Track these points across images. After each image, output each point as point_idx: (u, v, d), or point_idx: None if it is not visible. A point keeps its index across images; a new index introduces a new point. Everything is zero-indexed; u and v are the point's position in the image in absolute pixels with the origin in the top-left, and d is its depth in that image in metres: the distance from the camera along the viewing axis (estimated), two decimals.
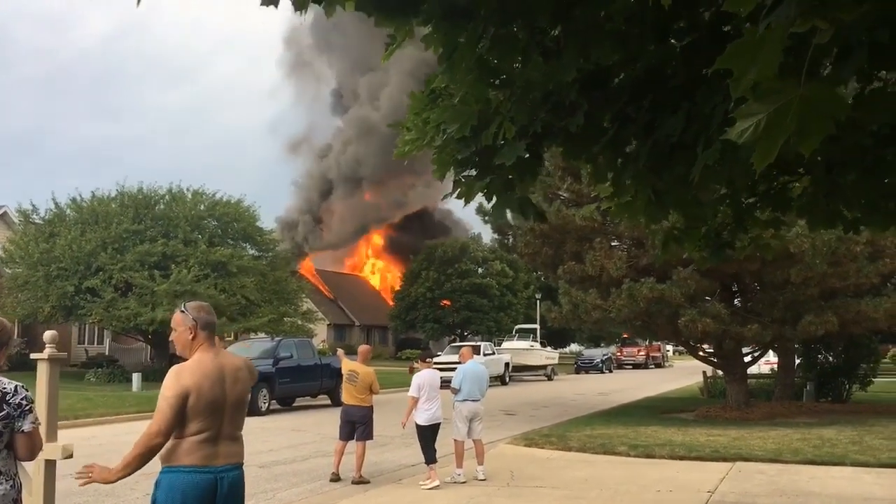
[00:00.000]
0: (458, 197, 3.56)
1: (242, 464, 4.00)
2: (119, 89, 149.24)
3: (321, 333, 56.78)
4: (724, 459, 12.24)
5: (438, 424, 10.75)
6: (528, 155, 3.27)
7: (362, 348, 11.76)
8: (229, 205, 32.37)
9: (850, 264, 15.80)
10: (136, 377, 26.46)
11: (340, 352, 12.81)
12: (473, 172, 3.57)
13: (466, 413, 11.04)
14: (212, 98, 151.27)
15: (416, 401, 10.75)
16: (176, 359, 4.09)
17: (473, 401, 11.12)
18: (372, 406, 11.17)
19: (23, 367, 33.55)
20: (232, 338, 32.43)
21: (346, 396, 11.16)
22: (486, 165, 3.48)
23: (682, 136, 2.91)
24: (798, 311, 16.62)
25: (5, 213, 35.06)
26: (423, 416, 10.69)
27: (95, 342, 40.29)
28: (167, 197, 31.84)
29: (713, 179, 3.01)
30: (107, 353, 37.83)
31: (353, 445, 10.98)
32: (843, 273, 15.91)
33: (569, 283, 17.79)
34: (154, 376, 27.64)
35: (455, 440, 11.10)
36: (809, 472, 11.22)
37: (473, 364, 11.56)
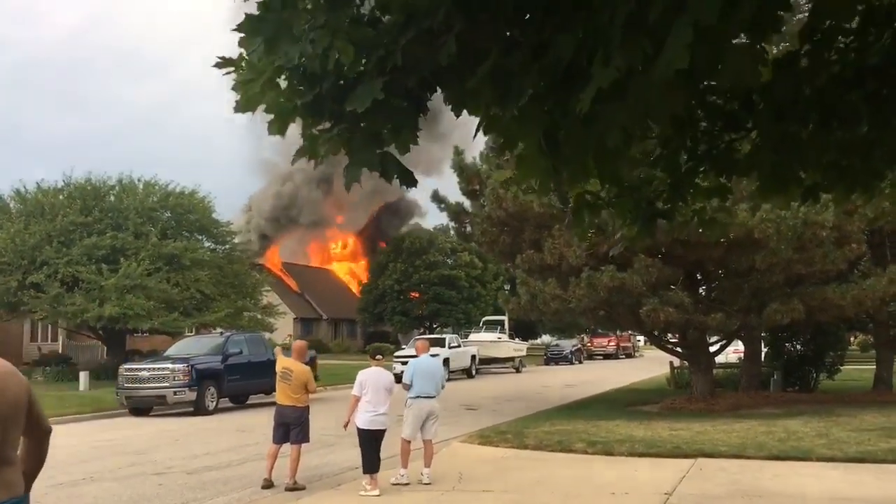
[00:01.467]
0: (305, 155, 2.77)
1: (22, 497, 3.04)
2: (88, 83, 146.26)
3: (287, 328, 55.72)
4: (686, 456, 11.58)
5: (382, 431, 9.84)
6: (384, 96, 2.48)
7: (297, 344, 10.94)
8: (182, 196, 31.24)
9: (816, 250, 15.23)
10: (83, 376, 25.38)
11: (278, 348, 11.96)
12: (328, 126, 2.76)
13: (417, 412, 10.24)
14: (184, 91, 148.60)
15: (357, 400, 9.92)
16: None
17: (427, 397, 10.30)
18: (307, 406, 10.34)
19: None
20: (193, 332, 31.44)
21: (280, 396, 10.33)
22: (340, 115, 2.67)
23: (577, 57, 2.16)
24: (763, 298, 16.05)
25: None
26: (362, 418, 9.84)
27: (49, 340, 38.95)
28: (117, 188, 30.64)
29: (619, 116, 2.25)
30: (60, 352, 36.53)
31: (288, 449, 10.16)
32: (809, 259, 15.34)
33: (527, 273, 17.07)
34: (106, 375, 26.61)
35: (402, 438, 10.30)
36: (773, 468, 10.59)
37: (426, 358, 10.77)
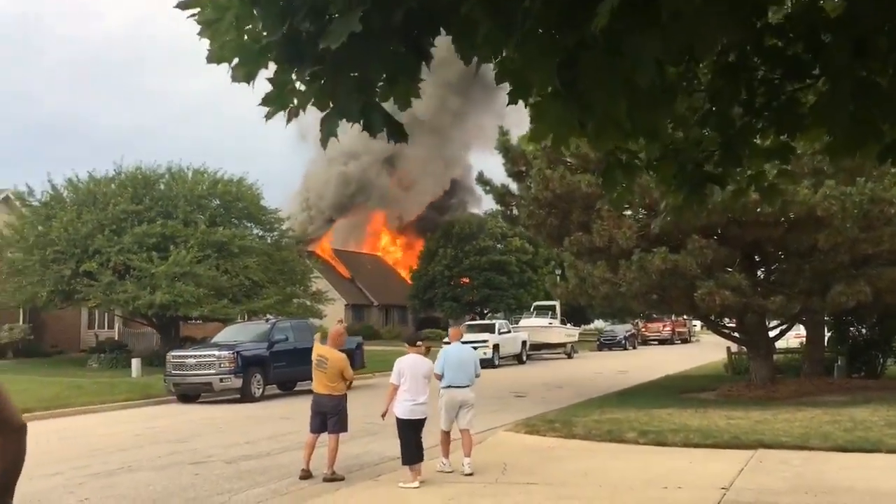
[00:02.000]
0: (274, 105, 2.34)
1: None
2: (144, 77, 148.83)
3: (338, 314, 55.84)
4: (744, 447, 10.94)
5: (421, 421, 9.45)
6: (363, 30, 2.02)
7: (333, 330, 10.58)
8: (231, 183, 31.27)
9: (884, 228, 14.32)
10: (135, 363, 25.61)
11: (317, 335, 11.63)
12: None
13: (449, 402, 9.84)
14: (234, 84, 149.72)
15: (395, 388, 9.55)
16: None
17: (458, 387, 9.89)
18: (345, 395, 10.00)
19: (31, 353, 33.27)
20: (245, 319, 31.50)
21: (316, 384, 10.00)
22: (319, 58, 2.23)
23: None
24: (827, 280, 15.20)
25: (7, 197, 34.25)
26: (400, 408, 9.46)
27: (106, 327, 39.58)
28: (166, 176, 30.82)
29: (650, 45, 1.77)
30: (116, 339, 37.08)
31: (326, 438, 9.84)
32: (877, 238, 14.43)
33: (575, 256, 16.48)
34: (159, 362, 26.80)
35: (441, 430, 9.93)
36: (840, 460, 9.91)
37: (457, 347, 10.32)
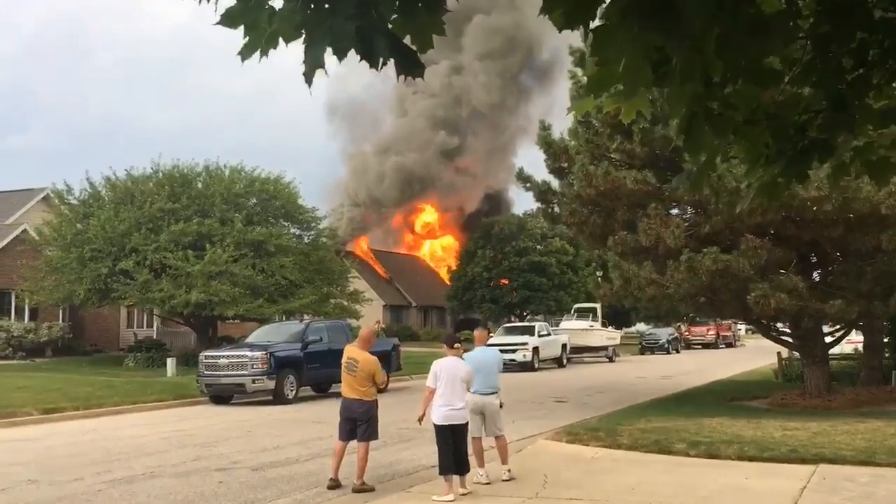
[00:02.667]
0: (230, 22, 1.76)
1: None
2: (188, 76, 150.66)
3: (376, 314, 55.51)
4: (804, 461, 10.14)
5: (461, 426, 8.89)
6: None
7: (363, 331, 10.02)
8: (268, 181, 31.01)
9: None
10: (170, 362, 25.43)
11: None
12: None
13: (472, 409, 9.30)
14: (279, 81, 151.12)
15: (432, 392, 8.98)
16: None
17: (481, 394, 9.33)
18: (375, 400, 9.43)
19: (70, 352, 33.39)
20: (284, 319, 31.21)
21: (346, 389, 9.46)
22: None
23: None
24: (890, 283, 14.26)
25: (47, 195, 34.45)
26: (436, 413, 8.91)
27: (145, 326, 39.69)
28: (203, 174, 30.64)
29: None
30: (154, 337, 37.13)
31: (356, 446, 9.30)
32: None
33: (620, 256, 15.71)
34: (195, 361, 26.56)
35: (471, 437, 9.37)
36: None
37: (481, 351, 9.75)
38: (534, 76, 67.64)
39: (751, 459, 10.40)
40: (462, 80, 64.49)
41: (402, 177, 63.62)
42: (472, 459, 9.32)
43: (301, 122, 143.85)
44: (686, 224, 15.15)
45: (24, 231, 32.82)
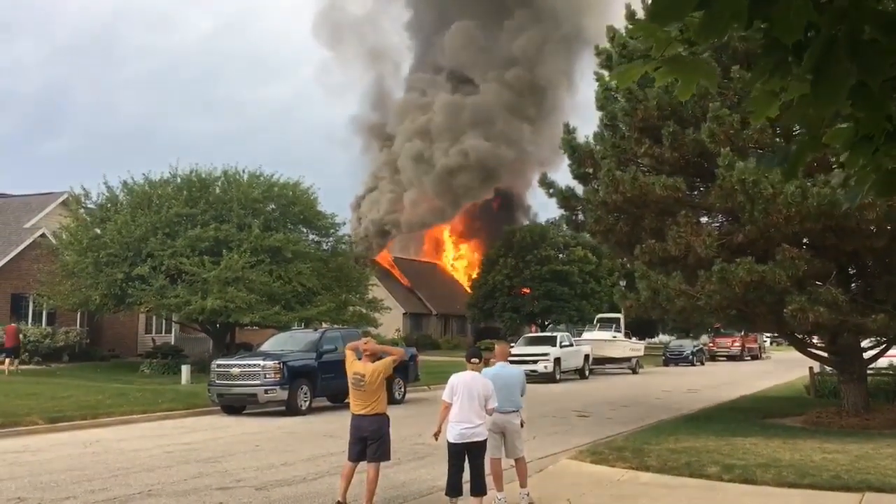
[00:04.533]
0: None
1: None
2: (218, 87, 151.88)
3: (396, 322, 54.94)
4: (849, 489, 9.38)
5: (476, 444, 8.28)
6: None
7: (364, 345, 9.29)
8: (286, 186, 30.56)
9: None
10: (184, 369, 24.97)
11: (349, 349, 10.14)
12: None
13: (491, 427, 8.66)
14: (306, 93, 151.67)
15: (447, 407, 8.37)
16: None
17: (501, 412, 8.69)
18: (387, 416, 8.77)
19: (87, 357, 33.07)
20: (302, 326, 30.69)
21: (354, 405, 8.80)
22: None
23: None
24: None
25: (66, 199, 34.22)
26: (451, 431, 8.30)
27: (163, 332, 39.38)
28: (222, 179, 30.23)
29: None
30: (173, 343, 36.78)
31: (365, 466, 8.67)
32: None
33: (648, 266, 14.98)
34: (209, 369, 26.06)
35: (490, 458, 8.73)
36: None
37: (503, 367, 9.12)
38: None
39: (791, 486, 9.65)
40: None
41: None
42: (490, 481, 8.70)
43: (335, 133, 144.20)
44: (718, 233, 14.41)
45: (42, 235, 32.63)
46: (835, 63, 1.63)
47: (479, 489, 8.31)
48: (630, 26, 15.90)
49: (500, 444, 8.81)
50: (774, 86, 1.95)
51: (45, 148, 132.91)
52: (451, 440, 8.28)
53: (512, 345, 38.49)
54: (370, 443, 8.63)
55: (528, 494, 8.89)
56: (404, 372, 20.98)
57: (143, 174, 30.33)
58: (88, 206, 30.32)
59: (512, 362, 10.83)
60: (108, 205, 29.57)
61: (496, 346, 9.71)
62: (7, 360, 26.08)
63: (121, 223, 27.47)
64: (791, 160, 2.18)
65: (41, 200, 36.52)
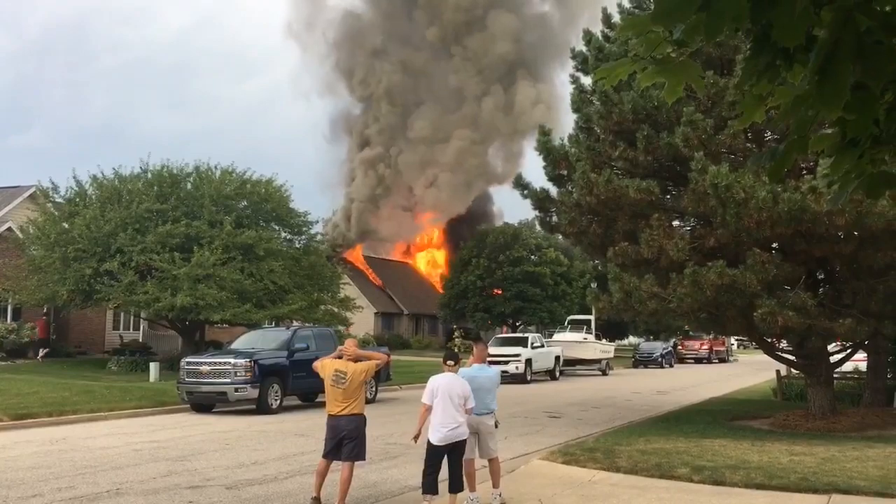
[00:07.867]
0: None
1: None
2: (192, 82, 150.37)
3: (367, 322, 54.76)
4: (815, 490, 9.52)
5: (455, 445, 8.32)
6: None
7: (347, 345, 9.27)
8: (259, 183, 30.30)
9: None
10: (153, 367, 24.66)
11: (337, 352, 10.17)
12: None
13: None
14: (279, 91, 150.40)
15: (427, 409, 8.37)
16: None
17: (476, 414, 8.70)
18: (364, 416, 8.73)
19: (53, 354, 32.46)
20: (273, 324, 30.48)
21: (331, 405, 8.72)
22: None
23: None
24: None
25: (34, 192, 33.62)
26: (435, 433, 8.29)
27: (131, 329, 38.84)
28: (194, 175, 29.88)
29: None
30: (140, 341, 36.32)
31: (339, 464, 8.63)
32: None
33: (620, 268, 15.08)
34: (178, 366, 25.79)
35: (464, 458, 8.74)
36: None
37: (480, 369, 9.11)
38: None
39: (759, 487, 9.78)
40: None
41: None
42: (464, 481, 8.70)
43: (308, 132, 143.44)
44: (690, 236, 14.55)
45: (9, 229, 32.02)
46: (840, 64, 1.65)
47: (457, 487, 8.34)
48: (607, 31, 16.00)
49: (474, 444, 8.82)
50: (762, 90, 1.97)
51: (12, 141, 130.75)
52: (435, 442, 8.27)
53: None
54: (346, 442, 8.58)
55: (500, 495, 8.91)
56: (376, 372, 20.90)
57: (114, 169, 29.91)
58: (57, 200, 29.80)
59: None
60: (77, 199, 29.06)
61: (474, 347, 9.71)
62: None
63: (90, 218, 27.05)
64: (777, 160, 2.21)
65: (8, 194, 35.81)
